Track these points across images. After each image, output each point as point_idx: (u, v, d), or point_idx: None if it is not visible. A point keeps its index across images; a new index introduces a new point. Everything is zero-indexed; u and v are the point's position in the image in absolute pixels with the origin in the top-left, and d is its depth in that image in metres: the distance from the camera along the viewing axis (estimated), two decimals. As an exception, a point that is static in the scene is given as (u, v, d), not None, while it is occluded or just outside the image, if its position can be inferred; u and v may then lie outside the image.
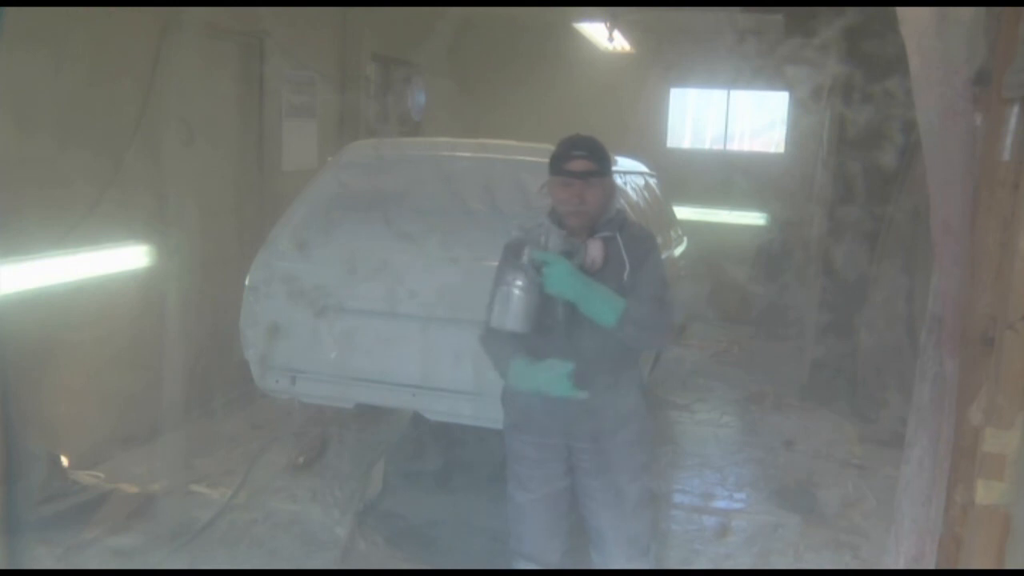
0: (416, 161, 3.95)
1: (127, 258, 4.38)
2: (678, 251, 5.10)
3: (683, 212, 6.12)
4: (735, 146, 8.59)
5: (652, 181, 4.96)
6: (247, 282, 3.69)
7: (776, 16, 6.11)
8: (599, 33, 6.80)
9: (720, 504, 4.27)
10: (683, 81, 8.39)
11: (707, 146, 8.74)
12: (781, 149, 8.31)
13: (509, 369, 2.53)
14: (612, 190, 2.64)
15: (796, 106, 7.84)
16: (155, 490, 3.98)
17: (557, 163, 2.53)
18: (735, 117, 8.54)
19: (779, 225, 7.50)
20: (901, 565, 2.20)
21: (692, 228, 5.99)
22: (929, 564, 2.14)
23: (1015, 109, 1.84)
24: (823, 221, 5.85)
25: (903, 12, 1.85)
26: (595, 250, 2.48)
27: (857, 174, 5.29)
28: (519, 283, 2.39)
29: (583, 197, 2.49)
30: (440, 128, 7.19)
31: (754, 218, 8.00)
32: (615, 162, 3.45)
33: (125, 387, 4.34)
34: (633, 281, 2.47)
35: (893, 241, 5.24)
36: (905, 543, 2.19)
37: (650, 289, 2.49)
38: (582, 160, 2.49)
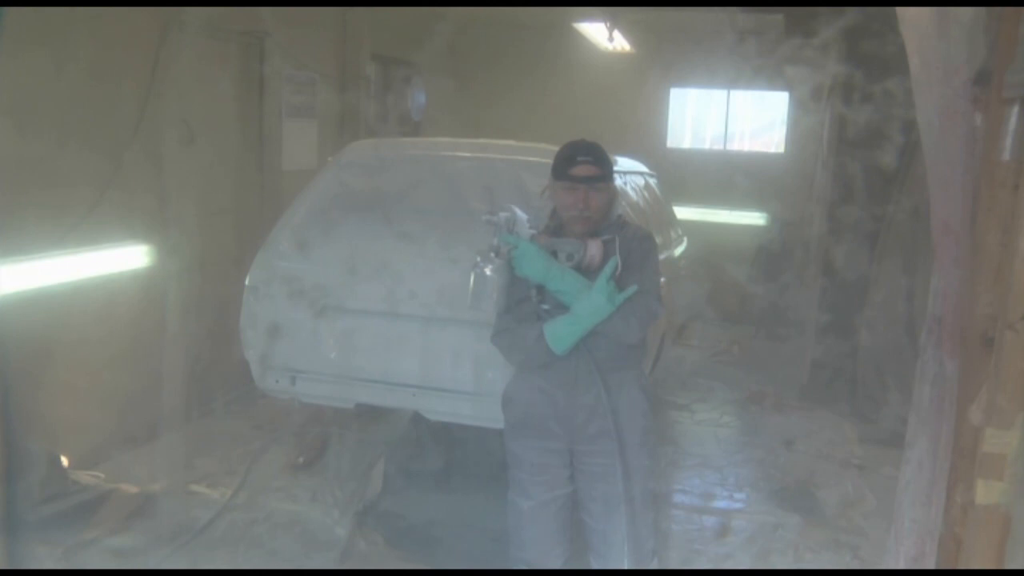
0: (416, 161, 3.95)
1: (127, 258, 4.38)
2: (678, 251, 5.10)
3: (683, 212, 6.11)
4: (735, 146, 8.60)
5: (652, 181, 4.95)
6: (247, 282, 3.69)
7: (776, 16, 6.11)
8: (599, 33, 6.80)
9: (720, 504, 4.26)
10: (683, 81, 8.39)
11: (707, 146, 8.74)
12: (781, 149, 8.32)
13: (547, 335, 2.47)
14: (614, 195, 2.66)
15: (796, 106, 7.85)
16: (155, 490, 3.98)
17: (562, 168, 2.54)
18: (735, 117, 8.54)
19: (779, 225, 7.50)
20: (901, 565, 2.20)
21: (692, 228, 5.99)
22: (929, 564, 2.14)
23: (1015, 109, 1.84)
24: (823, 221, 5.85)
25: (903, 12, 1.85)
26: (594, 249, 2.50)
27: (857, 174, 5.29)
28: (490, 266, 2.50)
29: (588, 202, 2.51)
30: (440, 128, 7.19)
31: (754, 218, 8.00)
32: (616, 163, 3.46)
33: (125, 387, 4.34)
34: (626, 279, 2.48)
35: (893, 241, 5.23)
36: (905, 543, 2.19)
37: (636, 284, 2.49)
38: (587, 166, 2.51)
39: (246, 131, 5.46)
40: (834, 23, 4.93)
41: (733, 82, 7.98)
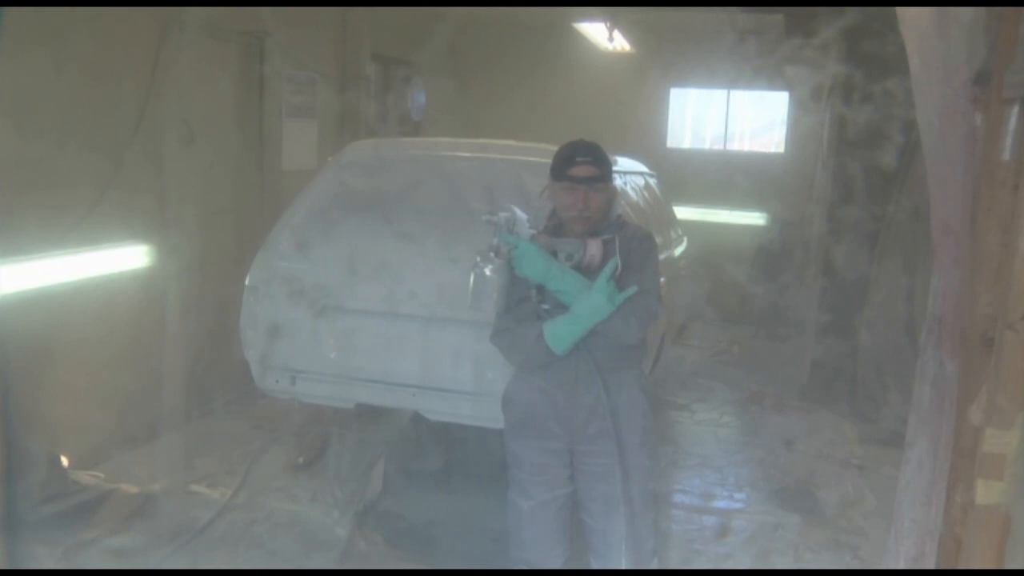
0: (416, 161, 3.95)
1: (127, 258, 4.38)
2: (678, 251, 5.10)
3: (683, 212, 6.11)
4: (735, 146, 8.60)
5: (652, 181, 4.95)
6: (247, 282, 3.69)
7: (776, 16, 6.11)
8: (599, 33, 6.80)
9: (720, 504, 4.26)
10: (683, 81, 8.39)
11: (707, 146, 8.74)
12: (781, 149, 8.32)
13: (547, 335, 2.47)
14: (614, 194, 2.66)
15: (796, 106, 7.85)
16: (155, 490, 3.98)
17: (561, 169, 2.54)
18: (735, 117, 8.54)
19: (779, 225, 7.50)
20: (901, 565, 2.21)
21: (692, 228, 5.99)
22: (929, 564, 2.14)
23: (1015, 109, 1.84)
24: (823, 221, 5.85)
25: (903, 12, 1.85)
26: (594, 249, 2.50)
27: (857, 174, 5.29)
28: (490, 266, 2.50)
29: (587, 202, 2.52)
30: (440, 128, 7.19)
31: (754, 218, 8.00)
32: (615, 163, 3.46)
33: (125, 387, 4.34)
34: (626, 279, 2.48)
35: (893, 241, 5.23)
36: (905, 543, 2.19)
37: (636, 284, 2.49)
38: (587, 166, 2.51)
39: (246, 131, 5.46)
40: (834, 23, 4.93)
41: (733, 82, 7.98)
